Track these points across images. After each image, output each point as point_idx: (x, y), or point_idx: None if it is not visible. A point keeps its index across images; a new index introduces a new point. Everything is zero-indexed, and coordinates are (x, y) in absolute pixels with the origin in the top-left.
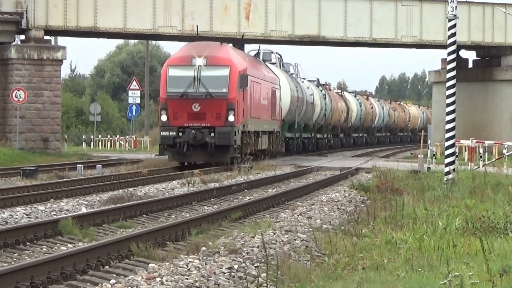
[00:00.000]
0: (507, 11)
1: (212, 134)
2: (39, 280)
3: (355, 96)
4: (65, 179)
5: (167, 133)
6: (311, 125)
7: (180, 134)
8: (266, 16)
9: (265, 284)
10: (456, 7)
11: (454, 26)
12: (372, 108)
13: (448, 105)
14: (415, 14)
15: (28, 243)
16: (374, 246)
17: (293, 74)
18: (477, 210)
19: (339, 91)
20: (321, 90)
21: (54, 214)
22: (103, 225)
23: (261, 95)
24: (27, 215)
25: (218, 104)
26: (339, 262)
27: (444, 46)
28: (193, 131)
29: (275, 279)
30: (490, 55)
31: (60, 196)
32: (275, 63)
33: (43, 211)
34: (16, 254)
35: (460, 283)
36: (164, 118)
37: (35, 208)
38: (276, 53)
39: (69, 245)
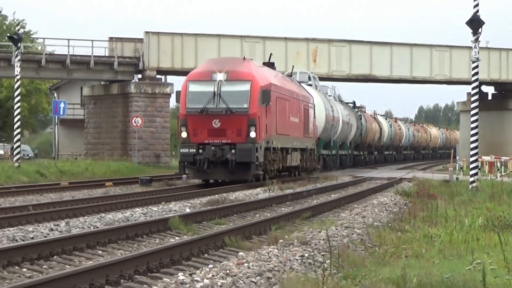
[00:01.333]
0: None
1: (233, 151)
2: (153, 264)
3: (386, 119)
4: (173, 186)
5: (186, 150)
6: (348, 143)
7: (200, 151)
8: (329, 59)
9: (329, 269)
10: (478, 51)
11: (477, 66)
12: (400, 129)
13: (472, 129)
14: (445, 57)
15: (144, 236)
16: (414, 239)
17: (330, 95)
18: (495, 211)
19: (373, 113)
20: (357, 112)
21: (165, 214)
22: (203, 222)
23: (290, 112)
24: (144, 214)
25: (238, 120)
26: (387, 251)
27: (469, 83)
28: (213, 148)
29: (337, 265)
30: (505, 89)
31: (169, 200)
32: (311, 84)
33: (156, 211)
34: (136, 244)
35: (482, 269)
36: (184, 134)
37: (150, 209)
38: (313, 75)
39: (177, 238)
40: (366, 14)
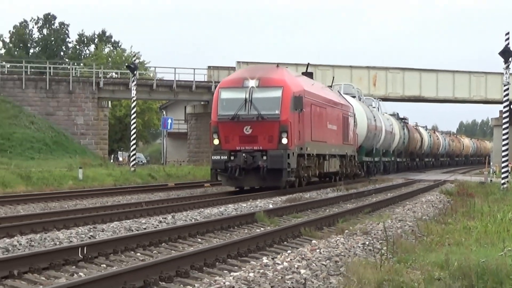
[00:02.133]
0: None
1: (265, 158)
2: (242, 250)
3: (426, 130)
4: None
5: (218, 157)
6: (391, 150)
7: (232, 158)
8: (386, 83)
9: (386, 254)
10: (509, 77)
11: (507, 89)
12: (438, 139)
13: (504, 140)
14: (482, 81)
15: (235, 227)
16: (456, 230)
17: (374, 107)
18: None
19: (415, 124)
20: (400, 122)
21: (252, 209)
22: (283, 216)
23: (328, 120)
24: (235, 209)
25: (270, 126)
26: (433, 240)
27: (501, 102)
28: (244, 155)
29: (392, 251)
30: None
31: (256, 198)
32: (354, 96)
33: (245, 207)
34: (228, 234)
35: None
36: (216, 141)
37: (240, 205)
38: (357, 88)
39: (261, 229)
40: (416, 46)
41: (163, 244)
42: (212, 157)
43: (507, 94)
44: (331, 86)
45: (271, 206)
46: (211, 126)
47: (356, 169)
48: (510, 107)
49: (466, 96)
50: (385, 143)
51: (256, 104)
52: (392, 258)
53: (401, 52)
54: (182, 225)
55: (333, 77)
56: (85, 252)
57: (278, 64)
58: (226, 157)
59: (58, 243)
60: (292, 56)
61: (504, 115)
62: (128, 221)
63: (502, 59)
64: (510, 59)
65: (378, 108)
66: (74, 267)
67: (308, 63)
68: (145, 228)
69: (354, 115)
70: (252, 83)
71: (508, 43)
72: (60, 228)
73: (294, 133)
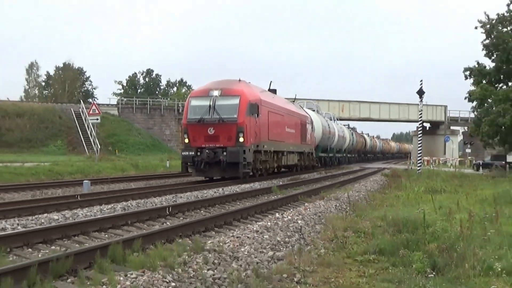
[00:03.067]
0: (442, 108)
1: (225, 153)
2: (263, 209)
3: (368, 136)
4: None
5: (187, 152)
6: (343, 149)
7: (198, 153)
8: (349, 110)
9: (348, 211)
10: (422, 106)
11: (421, 114)
12: (375, 142)
13: (419, 144)
14: (405, 109)
15: (259, 195)
16: (390, 198)
17: (331, 119)
18: (430, 183)
19: (361, 132)
20: (350, 130)
21: (269, 185)
22: (288, 189)
23: (286, 125)
24: (259, 185)
25: (229, 127)
26: (376, 203)
27: (417, 121)
28: (207, 151)
29: (352, 210)
30: (434, 125)
31: (272, 178)
32: (314, 110)
33: (265, 184)
34: (255, 199)
35: (423, 212)
36: (186, 140)
37: (262, 182)
38: (316, 104)
39: (275, 196)
40: (365, 86)
41: (216, 205)
42: (182, 153)
43: (421, 116)
44: (293, 101)
45: (281, 183)
46: (182, 128)
47: (313, 162)
48: (422, 124)
49: (396, 117)
50: (338, 144)
51: (218, 110)
52: (352, 214)
53: (358, 91)
54: (228, 194)
55: (296, 94)
56: (170, 210)
57: (240, 79)
58: (193, 153)
59: (154, 204)
60: (287, 93)
61: (419, 129)
62: (196, 192)
63: (418, 96)
64: (423, 95)
65: (334, 120)
66: (163, 219)
67: (271, 81)
68: (206, 196)
69: (312, 122)
70: (216, 92)
71: (422, 86)
72: (155, 196)
73: (250, 133)
